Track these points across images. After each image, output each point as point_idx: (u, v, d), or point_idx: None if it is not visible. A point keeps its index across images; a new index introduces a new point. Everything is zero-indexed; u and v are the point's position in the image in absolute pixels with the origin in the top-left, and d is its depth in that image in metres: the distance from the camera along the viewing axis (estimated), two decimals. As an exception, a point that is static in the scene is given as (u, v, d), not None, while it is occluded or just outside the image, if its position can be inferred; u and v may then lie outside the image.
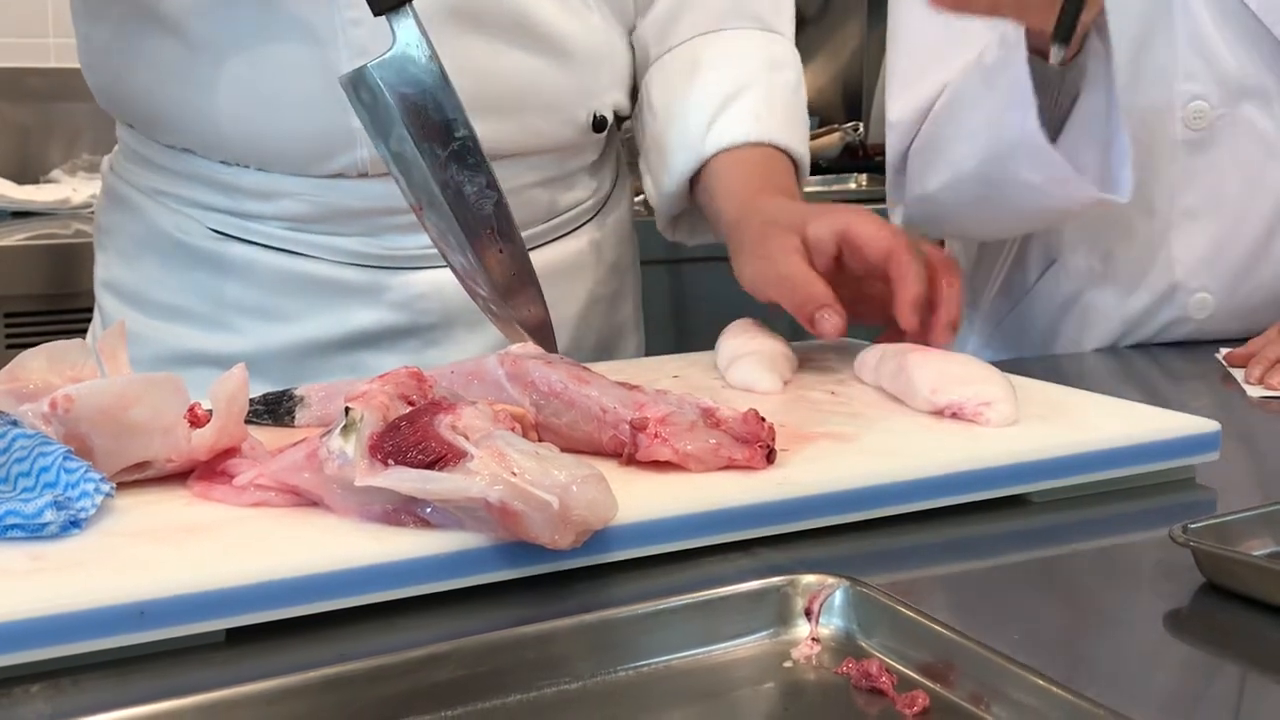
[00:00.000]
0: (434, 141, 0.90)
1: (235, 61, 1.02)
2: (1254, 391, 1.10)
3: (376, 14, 0.89)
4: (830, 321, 0.96)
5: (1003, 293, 1.44)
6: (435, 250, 0.96)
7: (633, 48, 1.20)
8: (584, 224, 1.20)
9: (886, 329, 1.02)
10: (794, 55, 1.22)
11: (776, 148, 1.14)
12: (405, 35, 0.89)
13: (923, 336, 0.97)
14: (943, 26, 1.29)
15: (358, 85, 0.89)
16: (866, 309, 1.02)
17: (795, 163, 1.17)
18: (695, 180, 1.16)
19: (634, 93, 1.22)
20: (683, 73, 1.17)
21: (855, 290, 1.01)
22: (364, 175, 1.05)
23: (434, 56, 0.90)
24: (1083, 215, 1.26)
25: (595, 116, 1.15)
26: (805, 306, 0.98)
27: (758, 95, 1.15)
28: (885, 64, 1.40)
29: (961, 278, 1.00)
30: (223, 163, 1.08)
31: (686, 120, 1.15)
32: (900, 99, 1.32)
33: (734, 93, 1.14)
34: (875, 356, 0.96)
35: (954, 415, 0.86)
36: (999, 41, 1.19)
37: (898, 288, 0.96)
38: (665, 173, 1.17)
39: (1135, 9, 1.26)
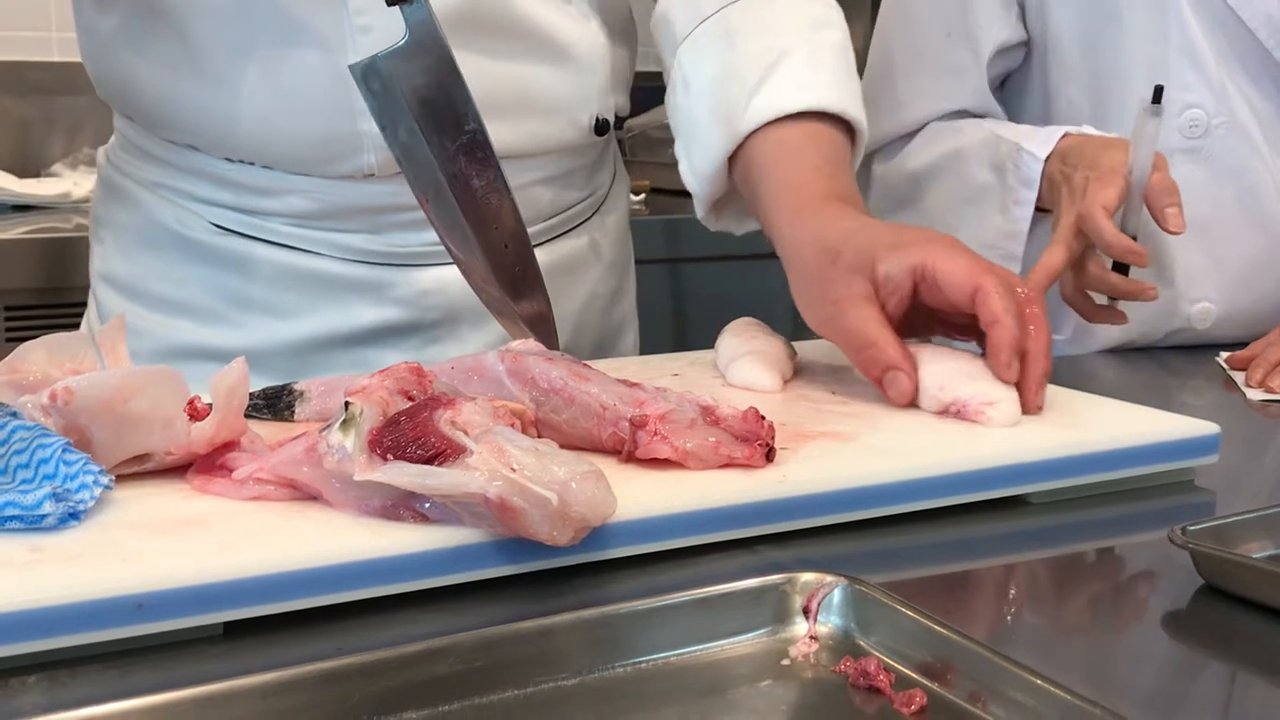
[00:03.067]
0: (443, 134, 0.89)
1: (242, 64, 1.02)
2: (1254, 394, 1.10)
3: (390, 3, 0.88)
4: (900, 386, 0.88)
5: None
6: (440, 247, 0.96)
7: (630, 48, 1.20)
8: (584, 222, 1.20)
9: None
10: (838, 13, 1.10)
11: (828, 114, 1.04)
12: (418, 26, 0.89)
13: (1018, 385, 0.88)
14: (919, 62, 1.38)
15: (368, 75, 0.89)
16: (936, 328, 0.96)
17: (852, 129, 1.06)
18: (735, 161, 1.05)
19: (633, 92, 1.22)
20: (716, 45, 1.07)
21: (927, 318, 0.94)
22: (371, 176, 1.05)
23: (446, 48, 0.89)
24: None
25: (597, 120, 1.15)
26: (873, 369, 0.90)
27: (801, 59, 1.04)
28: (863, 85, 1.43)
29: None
30: (227, 160, 1.07)
31: (723, 94, 1.04)
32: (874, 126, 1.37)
33: (775, 59, 1.04)
34: None
35: (957, 414, 0.85)
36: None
37: (993, 331, 0.86)
38: (701, 153, 1.07)
39: (1128, 19, 1.27)
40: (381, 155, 1.02)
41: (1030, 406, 0.86)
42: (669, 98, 1.13)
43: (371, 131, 0.98)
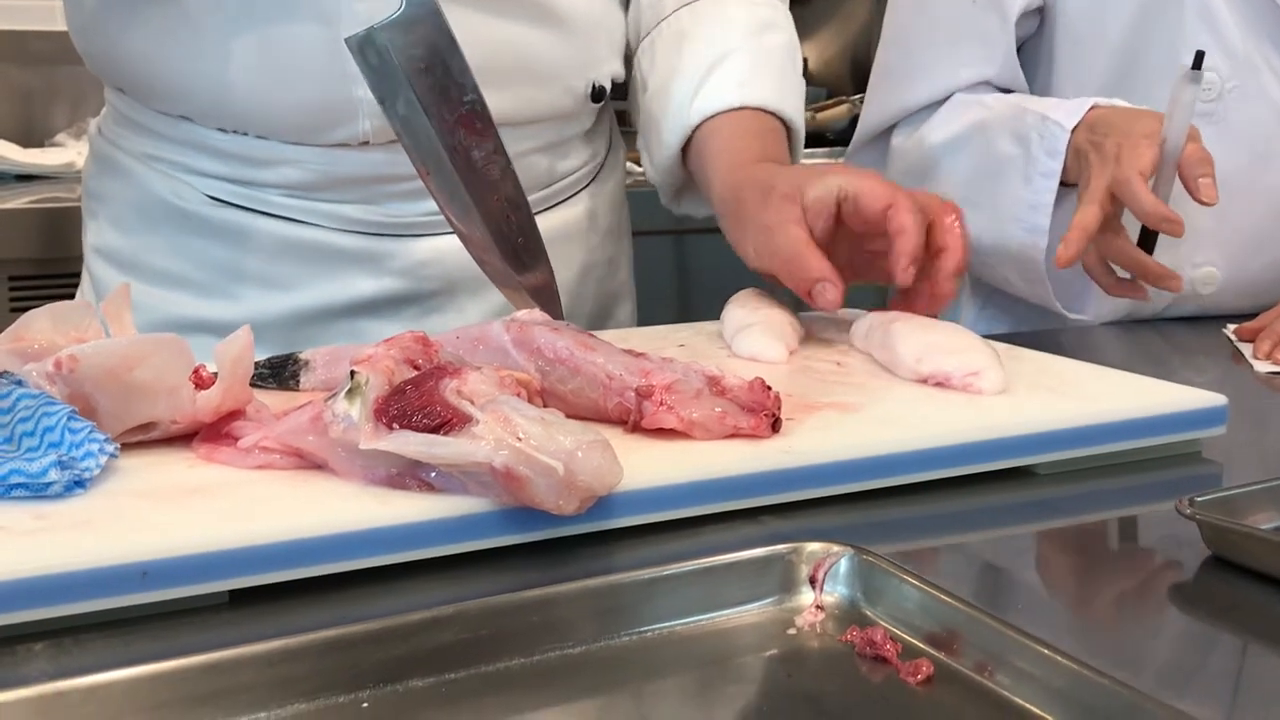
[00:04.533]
0: (442, 105, 0.89)
1: (235, 30, 1.01)
2: (1262, 366, 1.10)
3: None
4: (827, 295, 0.96)
5: None
6: (438, 217, 0.96)
7: (627, 13, 1.20)
8: (580, 190, 1.20)
9: (896, 290, 1.01)
10: (785, 18, 1.19)
11: (766, 111, 1.12)
12: None
13: (925, 289, 0.97)
14: (936, 33, 1.36)
15: (365, 47, 0.88)
16: (871, 269, 1.02)
17: (789, 128, 1.15)
18: (686, 151, 1.15)
19: (629, 61, 1.21)
20: (670, 45, 1.16)
21: (858, 251, 1.00)
22: (366, 144, 1.04)
23: (442, 18, 0.88)
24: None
25: (594, 86, 1.15)
26: (803, 281, 0.97)
27: (742, 61, 1.13)
28: (878, 55, 1.42)
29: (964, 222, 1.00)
30: (220, 130, 1.07)
31: (673, 92, 1.13)
32: (883, 103, 1.37)
33: (717, 60, 1.13)
34: (865, 326, 0.96)
35: (939, 385, 0.86)
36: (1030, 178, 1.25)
37: (894, 240, 0.95)
38: (658, 146, 1.16)
39: None
40: (377, 122, 1.02)
41: (940, 299, 0.98)
42: (631, 102, 1.22)
43: (367, 98, 0.98)
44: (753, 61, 1.13)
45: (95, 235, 1.16)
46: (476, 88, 0.90)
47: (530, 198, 1.10)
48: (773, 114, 1.13)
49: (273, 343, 1.03)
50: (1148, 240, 1.16)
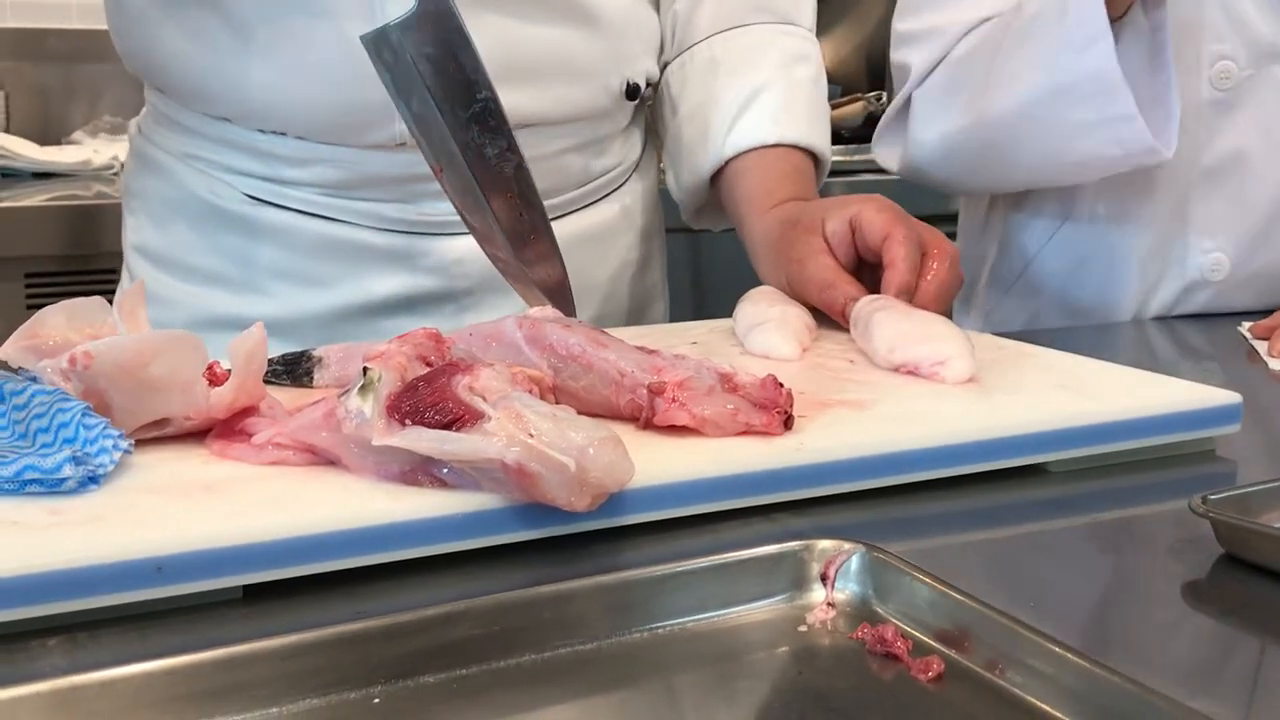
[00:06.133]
0: (455, 102, 0.89)
1: (273, 34, 1.02)
2: (1276, 364, 1.10)
3: None
4: None
5: (1010, 254, 1.43)
6: None
7: (657, 13, 1.20)
8: (616, 189, 1.21)
9: None
10: (813, 47, 1.24)
11: (797, 148, 1.17)
12: None
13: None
14: None
15: (379, 45, 0.89)
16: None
17: (816, 158, 1.20)
18: (716, 178, 1.20)
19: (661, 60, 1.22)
20: (702, 73, 1.20)
21: (880, 273, 1.02)
22: (401, 145, 1.05)
23: (457, 16, 0.88)
24: (1109, 170, 1.24)
25: (628, 84, 1.16)
26: (836, 304, 1.01)
27: (775, 96, 1.18)
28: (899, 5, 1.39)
29: (957, 262, 1.02)
30: (259, 131, 1.07)
31: (707, 122, 1.18)
32: (922, 44, 1.31)
33: (752, 95, 1.17)
34: (854, 316, 0.97)
35: (910, 374, 0.87)
36: None
37: (886, 271, 0.99)
38: (687, 170, 1.21)
39: None
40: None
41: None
42: (656, 118, 1.26)
43: None
44: (785, 97, 1.18)
45: (134, 233, 1.17)
46: (490, 85, 0.90)
47: (567, 197, 1.11)
48: (803, 149, 1.18)
49: (309, 340, 1.03)
50: None
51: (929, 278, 1.00)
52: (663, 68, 1.23)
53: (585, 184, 1.16)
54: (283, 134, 1.07)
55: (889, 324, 0.91)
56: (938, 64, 1.31)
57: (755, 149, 1.16)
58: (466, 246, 1.09)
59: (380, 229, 1.09)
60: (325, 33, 1.01)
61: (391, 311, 1.11)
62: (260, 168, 1.09)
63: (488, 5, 0.97)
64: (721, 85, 1.18)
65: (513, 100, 0.91)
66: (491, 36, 0.91)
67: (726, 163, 1.17)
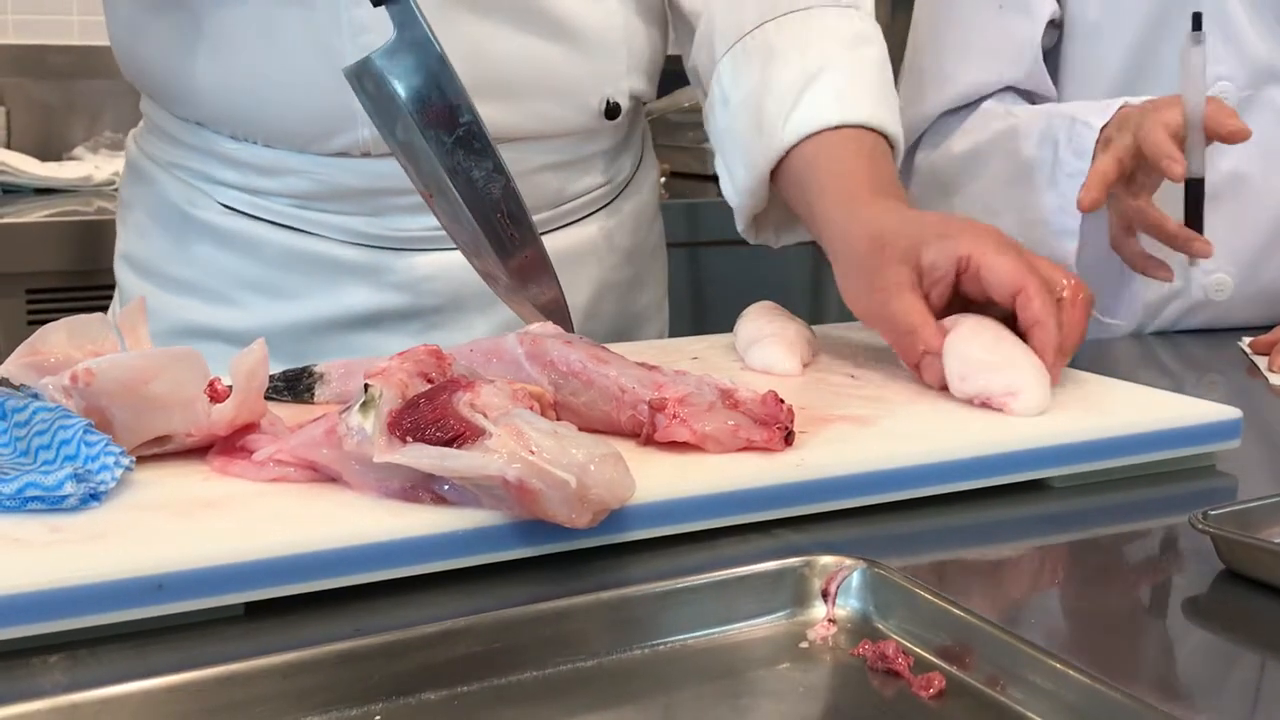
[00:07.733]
0: (439, 128, 0.89)
1: (239, 37, 1.03)
2: (1277, 379, 1.10)
3: (376, 4, 0.88)
4: (935, 371, 0.89)
5: None
6: (439, 233, 0.96)
7: (660, 30, 1.18)
8: (595, 212, 1.18)
9: None
10: (876, 30, 1.12)
11: (867, 129, 1.04)
12: (405, 23, 0.88)
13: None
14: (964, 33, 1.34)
15: (362, 76, 0.89)
16: (970, 309, 0.95)
17: (890, 142, 1.07)
18: (777, 174, 1.06)
19: (658, 77, 1.20)
20: (756, 61, 1.08)
21: (963, 305, 0.93)
22: (367, 154, 1.05)
23: (435, 42, 0.88)
24: None
25: (608, 103, 1.12)
26: (912, 353, 0.91)
27: (839, 74, 1.05)
28: (906, 62, 1.40)
29: (1090, 304, 0.92)
30: (231, 137, 1.08)
31: (763, 109, 1.05)
32: (911, 108, 1.34)
33: (813, 74, 1.04)
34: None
35: (983, 404, 0.84)
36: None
37: (1035, 333, 0.87)
38: (743, 167, 1.07)
39: None
40: (375, 131, 1.02)
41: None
42: (708, 119, 1.13)
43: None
44: (850, 75, 1.06)
45: (122, 242, 1.18)
46: (473, 108, 0.89)
47: (538, 217, 1.08)
48: (874, 131, 1.05)
49: (280, 353, 1.02)
50: (1193, 216, 1.13)
51: (1065, 331, 0.88)
52: (700, 66, 1.15)
53: (559, 205, 1.14)
54: (253, 141, 1.07)
55: (956, 350, 0.87)
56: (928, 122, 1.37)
57: (819, 132, 1.03)
58: (434, 263, 1.08)
59: (349, 243, 1.09)
60: (285, 35, 1.02)
61: (358, 327, 1.10)
62: (235, 177, 1.09)
63: (464, 21, 0.96)
64: (779, 69, 1.05)
65: (486, 113, 0.91)
66: (464, 48, 0.90)
67: (788, 152, 1.03)
